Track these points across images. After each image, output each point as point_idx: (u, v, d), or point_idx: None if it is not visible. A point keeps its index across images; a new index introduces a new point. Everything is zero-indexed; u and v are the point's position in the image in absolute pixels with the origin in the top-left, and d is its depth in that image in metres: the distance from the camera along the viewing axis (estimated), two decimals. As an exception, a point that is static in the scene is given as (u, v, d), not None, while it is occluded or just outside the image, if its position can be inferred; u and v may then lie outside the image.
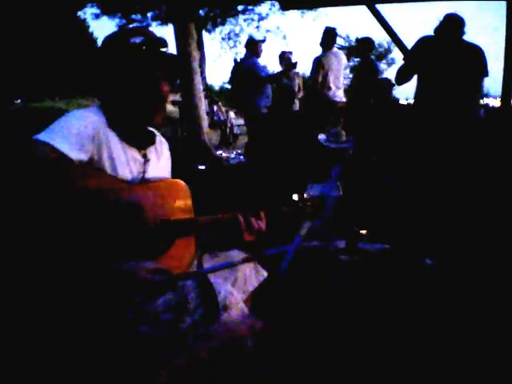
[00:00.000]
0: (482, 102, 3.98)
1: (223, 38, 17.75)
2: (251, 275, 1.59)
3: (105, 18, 17.16)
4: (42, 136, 1.20)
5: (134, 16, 15.58)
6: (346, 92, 5.85)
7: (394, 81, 4.34)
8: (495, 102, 7.01)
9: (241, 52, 17.23)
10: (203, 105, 7.07)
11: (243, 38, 15.93)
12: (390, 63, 24.92)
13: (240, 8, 16.31)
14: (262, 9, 16.68)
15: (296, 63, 5.78)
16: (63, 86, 14.50)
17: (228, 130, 9.21)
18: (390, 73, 25.26)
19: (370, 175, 3.93)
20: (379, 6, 4.77)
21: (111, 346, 1.25)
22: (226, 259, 1.57)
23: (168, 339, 1.28)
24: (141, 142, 1.44)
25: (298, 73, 6.69)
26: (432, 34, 3.61)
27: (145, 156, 1.44)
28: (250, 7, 16.09)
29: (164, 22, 15.25)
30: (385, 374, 1.71)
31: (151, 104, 1.38)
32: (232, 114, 9.27)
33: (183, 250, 1.42)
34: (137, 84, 1.35)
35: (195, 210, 1.50)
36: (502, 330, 1.92)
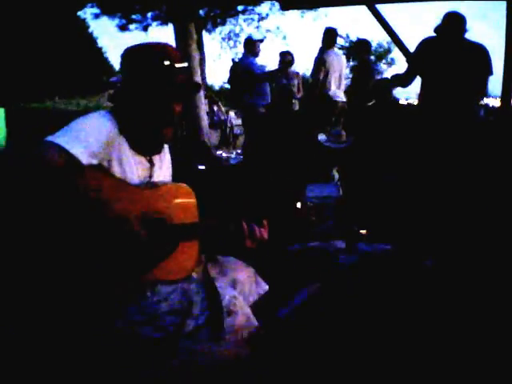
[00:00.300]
0: (481, 101, 3.95)
1: (223, 38, 17.77)
2: (251, 288, 1.58)
3: (105, 18, 17.15)
4: (56, 138, 1.21)
5: (134, 16, 15.59)
6: (346, 92, 5.84)
7: (390, 76, 4.34)
8: (495, 102, 7.00)
9: (241, 52, 17.22)
10: (203, 105, 7.06)
11: (243, 38, 15.83)
12: (390, 63, 24.92)
13: (240, 8, 16.31)
14: (262, 9, 16.64)
15: (292, 60, 5.77)
16: (63, 86, 14.49)
17: (228, 130, 9.20)
18: (390, 73, 25.24)
19: (370, 175, 3.93)
20: (379, 6, 4.77)
21: (111, 347, 1.25)
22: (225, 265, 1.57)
23: (169, 341, 1.29)
24: (149, 151, 1.46)
25: (297, 73, 6.69)
26: (433, 34, 3.59)
27: (150, 161, 1.46)
28: (250, 7, 16.08)
29: (164, 22, 15.25)
30: (385, 374, 1.71)
31: (162, 121, 1.40)
32: (232, 114, 9.26)
33: (187, 254, 1.42)
34: (153, 101, 1.37)
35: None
36: (502, 330, 1.92)
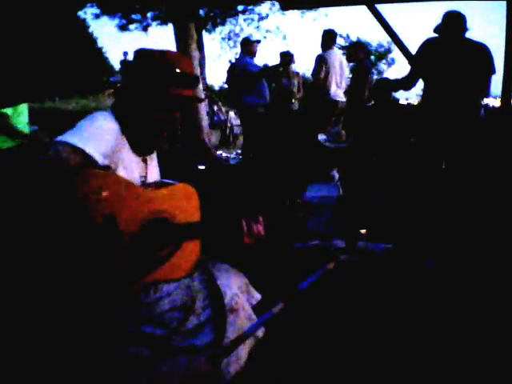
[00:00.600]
0: (482, 101, 3.95)
1: (223, 38, 17.76)
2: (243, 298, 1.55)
3: (105, 18, 17.17)
4: (70, 138, 1.22)
5: (134, 16, 15.59)
6: (346, 92, 5.85)
7: (392, 79, 4.34)
8: (495, 102, 6.99)
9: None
10: (203, 105, 7.06)
11: (243, 38, 15.89)
12: (390, 63, 24.92)
13: (240, 8, 16.30)
14: (262, 9, 16.65)
15: (292, 60, 5.76)
16: (63, 86, 14.48)
17: (228, 130, 9.20)
18: (390, 73, 25.28)
19: (370, 175, 3.93)
20: (379, 6, 4.77)
21: (112, 346, 1.25)
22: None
23: (171, 338, 1.29)
24: (145, 152, 1.49)
25: (297, 72, 6.69)
26: (434, 35, 3.58)
27: (144, 160, 1.49)
28: (249, 7, 16.08)
29: (164, 22, 15.25)
30: (384, 374, 1.71)
31: (162, 126, 1.43)
32: (232, 114, 9.26)
33: (189, 254, 1.43)
34: (158, 106, 1.39)
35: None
36: (502, 330, 1.92)
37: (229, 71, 5.98)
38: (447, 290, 2.23)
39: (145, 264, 1.30)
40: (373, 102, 5.21)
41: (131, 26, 15.86)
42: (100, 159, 1.24)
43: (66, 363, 1.24)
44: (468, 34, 3.50)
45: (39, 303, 1.22)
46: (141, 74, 1.38)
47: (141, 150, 1.45)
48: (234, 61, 6.11)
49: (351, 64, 6.01)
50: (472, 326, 1.95)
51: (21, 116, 3.68)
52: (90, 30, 20.28)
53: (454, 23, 3.45)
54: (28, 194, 1.16)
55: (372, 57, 24.17)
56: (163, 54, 1.39)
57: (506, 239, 2.75)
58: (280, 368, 1.69)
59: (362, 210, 3.19)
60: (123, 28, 15.81)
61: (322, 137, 4.59)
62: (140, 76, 1.38)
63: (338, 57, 5.73)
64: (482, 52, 3.41)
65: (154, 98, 1.38)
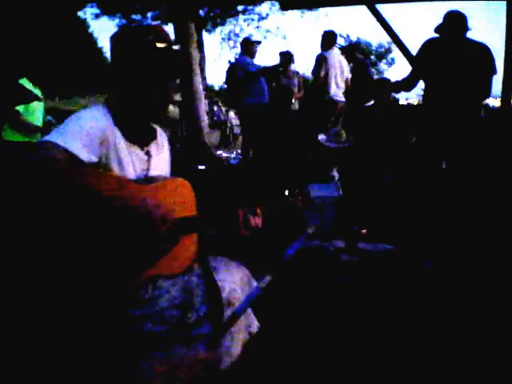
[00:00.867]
0: (482, 102, 3.95)
1: (223, 38, 17.79)
2: (244, 290, 1.53)
3: (105, 18, 17.15)
4: (54, 137, 1.20)
5: (134, 16, 15.60)
6: (346, 92, 5.84)
7: (393, 81, 4.34)
8: (495, 102, 6.99)
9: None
10: (203, 105, 7.06)
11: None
12: (390, 63, 24.95)
13: (240, 8, 16.33)
14: (262, 9, 16.70)
15: (292, 59, 5.76)
16: (63, 85, 14.49)
17: (228, 130, 9.21)
18: (390, 73, 25.29)
19: (370, 175, 3.93)
20: (379, 6, 4.77)
21: (114, 343, 1.25)
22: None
23: (171, 335, 1.29)
24: (144, 139, 1.45)
25: (297, 72, 6.68)
26: (435, 35, 3.57)
27: (148, 153, 1.45)
28: (249, 7, 16.10)
29: (164, 22, 15.25)
30: (384, 374, 1.71)
31: (161, 100, 1.39)
32: (232, 114, 9.26)
33: (186, 248, 1.43)
34: (150, 81, 1.36)
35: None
36: (502, 330, 1.92)
37: (228, 71, 5.98)
38: (446, 290, 2.23)
39: (145, 259, 1.30)
40: (373, 102, 5.21)
41: (147, 24, 15.87)
42: (85, 157, 1.21)
43: (65, 360, 1.24)
44: (469, 34, 3.50)
45: (39, 304, 1.22)
46: (125, 46, 1.36)
47: (138, 138, 1.42)
48: (233, 61, 6.10)
49: (351, 64, 6.01)
50: (471, 326, 1.94)
51: (35, 113, 3.70)
52: (90, 29, 20.32)
53: (455, 23, 3.44)
54: (11, 196, 1.16)
55: (372, 57, 24.21)
56: (136, 27, 1.39)
57: (506, 239, 2.75)
58: (276, 365, 1.70)
59: (362, 210, 3.19)
60: (123, 28, 15.82)
61: (321, 137, 4.58)
62: (125, 48, 1.36)
63: (338, 57, 5.72)
64: (483, 52, 3.40)
65: (145, 63, 1.34)
